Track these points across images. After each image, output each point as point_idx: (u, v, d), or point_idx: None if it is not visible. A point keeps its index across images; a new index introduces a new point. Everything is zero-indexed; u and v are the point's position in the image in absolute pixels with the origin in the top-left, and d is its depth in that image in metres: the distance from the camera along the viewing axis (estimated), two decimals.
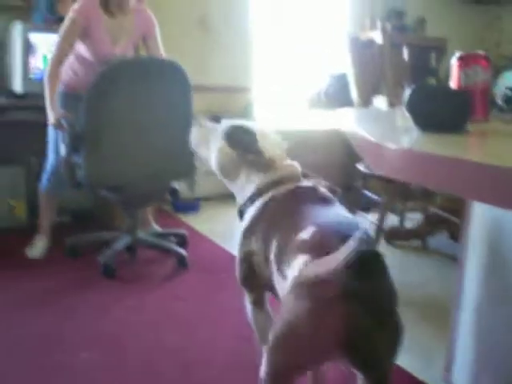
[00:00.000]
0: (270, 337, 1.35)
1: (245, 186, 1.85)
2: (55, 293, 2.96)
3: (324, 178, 5.33)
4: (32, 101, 3.65)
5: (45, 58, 3.81)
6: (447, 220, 3.64)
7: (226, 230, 4.16)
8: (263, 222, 1.72)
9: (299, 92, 5.41)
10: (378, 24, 3.85)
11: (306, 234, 1.47)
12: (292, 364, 1.33)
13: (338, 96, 4.67)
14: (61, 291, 2.99)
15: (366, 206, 4.01)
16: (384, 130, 1.35)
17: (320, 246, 1.39)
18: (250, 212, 1.79)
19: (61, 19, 3.84)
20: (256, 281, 1.80)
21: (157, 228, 3.81)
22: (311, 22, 5.55)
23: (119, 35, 3.35)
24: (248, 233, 1.77)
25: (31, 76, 3.70)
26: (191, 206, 4.64)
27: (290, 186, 1.76)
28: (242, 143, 1.83)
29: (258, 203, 1.77)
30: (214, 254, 3.66)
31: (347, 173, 4.88)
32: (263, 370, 1.36)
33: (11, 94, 3.89)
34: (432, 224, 3.82)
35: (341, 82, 4.67)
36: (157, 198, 3.61)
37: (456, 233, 3.46)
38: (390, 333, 1.30)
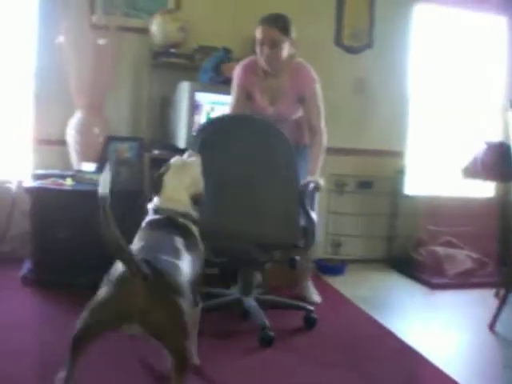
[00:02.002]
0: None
1: None
2: None
3: (475, 248, 5.07)
4: None
5: (208, 115, 4.02)
6: None
7: (370, 295, 4.09)
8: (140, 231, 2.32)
9: (454, 159, 5.27)
10: None
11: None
12: (97, 323, 1.86)
13: (496, 166, 4.48)
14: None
15: None
16: None
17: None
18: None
19: (225, 81, 4.04)
20: None
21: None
22: (468, 88, 5.42)
23: (275, 96, 3.42)
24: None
25: (194, 133, 3.85)
26: (336, 268, 4.59)
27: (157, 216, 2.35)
28: (154, 179, 2.45)
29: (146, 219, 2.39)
30: (355, 318, 3.58)
31: (504, 246, 4.65)
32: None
33: (173, 148, 4.07)
34: None
35: (499, 150, 4.49)
36: (255, 260, 3.30)
37: None
38: (167, 310, 1.84)
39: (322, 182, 3.20)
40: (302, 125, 3.45)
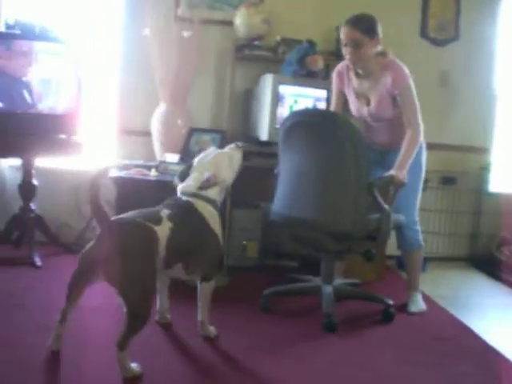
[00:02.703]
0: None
1: None
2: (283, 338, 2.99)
3: None
4: (275, 149, 3.80)
5: (291, 108, 4.02)
6: None
7: (450, 293, 4.01)
8: None
9: None
10: None
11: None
12: (80, 272, 2.39)
13: None
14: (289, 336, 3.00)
15: None
16: None
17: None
18: None
19: (309, 73, 4.02)
20: None
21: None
22: None
23: (369, 96, 3.40)
24: None
25: (277, 126, 3.86)
26: None
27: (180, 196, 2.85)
28: (182, 170, 2.96)
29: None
30: (435, 316, 3.52)
31: None
32: None
33: (256, 141, 4.12)
34: None
35: None
36: (327, 249, 3.31)
37: None
38: (121, 262, 2.28)
39: (403, 176, 3.15)
40: (400, 124, 3.34)
